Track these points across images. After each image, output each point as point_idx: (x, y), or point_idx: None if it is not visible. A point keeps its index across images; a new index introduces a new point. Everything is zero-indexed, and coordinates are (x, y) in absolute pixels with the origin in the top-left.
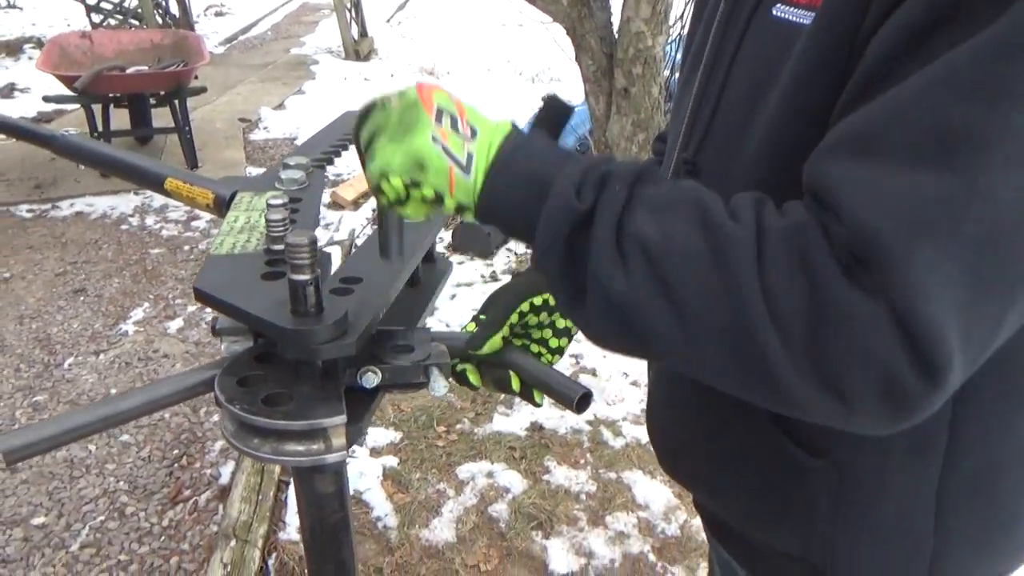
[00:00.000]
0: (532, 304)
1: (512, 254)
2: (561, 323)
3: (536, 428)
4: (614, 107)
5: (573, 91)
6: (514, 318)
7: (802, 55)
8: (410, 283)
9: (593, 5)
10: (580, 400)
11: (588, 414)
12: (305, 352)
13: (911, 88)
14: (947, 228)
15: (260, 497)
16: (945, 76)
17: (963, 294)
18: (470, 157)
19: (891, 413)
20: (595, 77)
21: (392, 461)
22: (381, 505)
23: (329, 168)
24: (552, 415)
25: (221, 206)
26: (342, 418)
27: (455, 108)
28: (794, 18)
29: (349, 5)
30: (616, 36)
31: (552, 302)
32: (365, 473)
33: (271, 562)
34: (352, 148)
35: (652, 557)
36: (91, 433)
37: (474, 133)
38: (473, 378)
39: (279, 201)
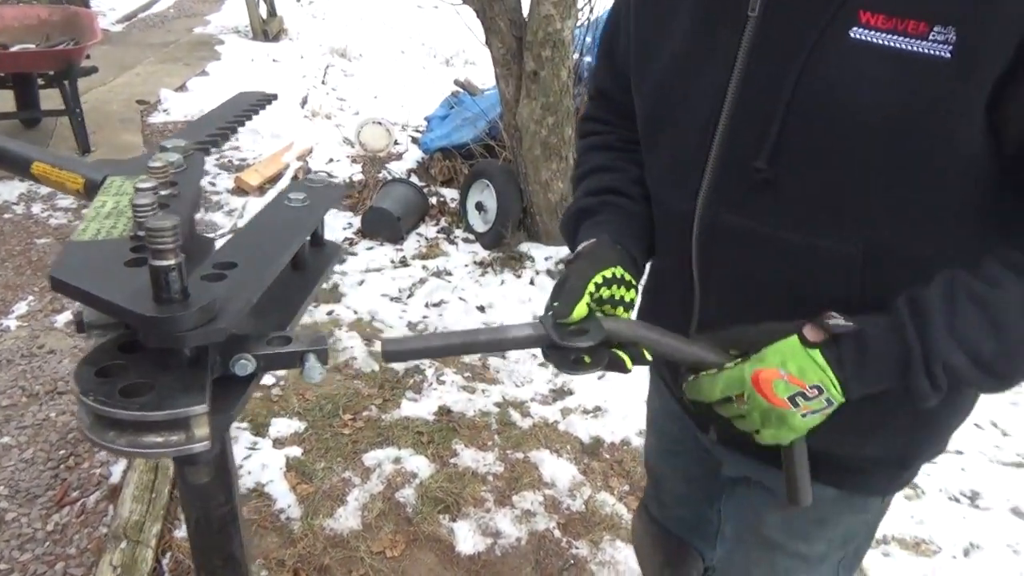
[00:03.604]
0: (604, 277)
1: (422, 239)
2: (628, 296)
3: (444, 412)
4: (524, 90)
5: (486, 74)
6: (591, 287)
7: (945, 87)
8: (294, 266)
9: None
10: None
11: (496, 396)
12: (169, 340)
13: None
14: None
15: (154, 495)
16: None
17: None
18: (828, 400)
19: None
20: (505, 60)
21: (296, 451)
22: (284, 497)
23: (234, 153)
24: (460, 398)
25: (93, 191)
26: (203, 407)
27: (794, 385)
28: (886, 42)
29: None
30: (526, 19)
31: (618, 274)
32: (268, 465)
33: (165, 561)
34: (243, 126)
35: (557, 533)
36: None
37: (820, 389)
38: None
39: (148, 185)
